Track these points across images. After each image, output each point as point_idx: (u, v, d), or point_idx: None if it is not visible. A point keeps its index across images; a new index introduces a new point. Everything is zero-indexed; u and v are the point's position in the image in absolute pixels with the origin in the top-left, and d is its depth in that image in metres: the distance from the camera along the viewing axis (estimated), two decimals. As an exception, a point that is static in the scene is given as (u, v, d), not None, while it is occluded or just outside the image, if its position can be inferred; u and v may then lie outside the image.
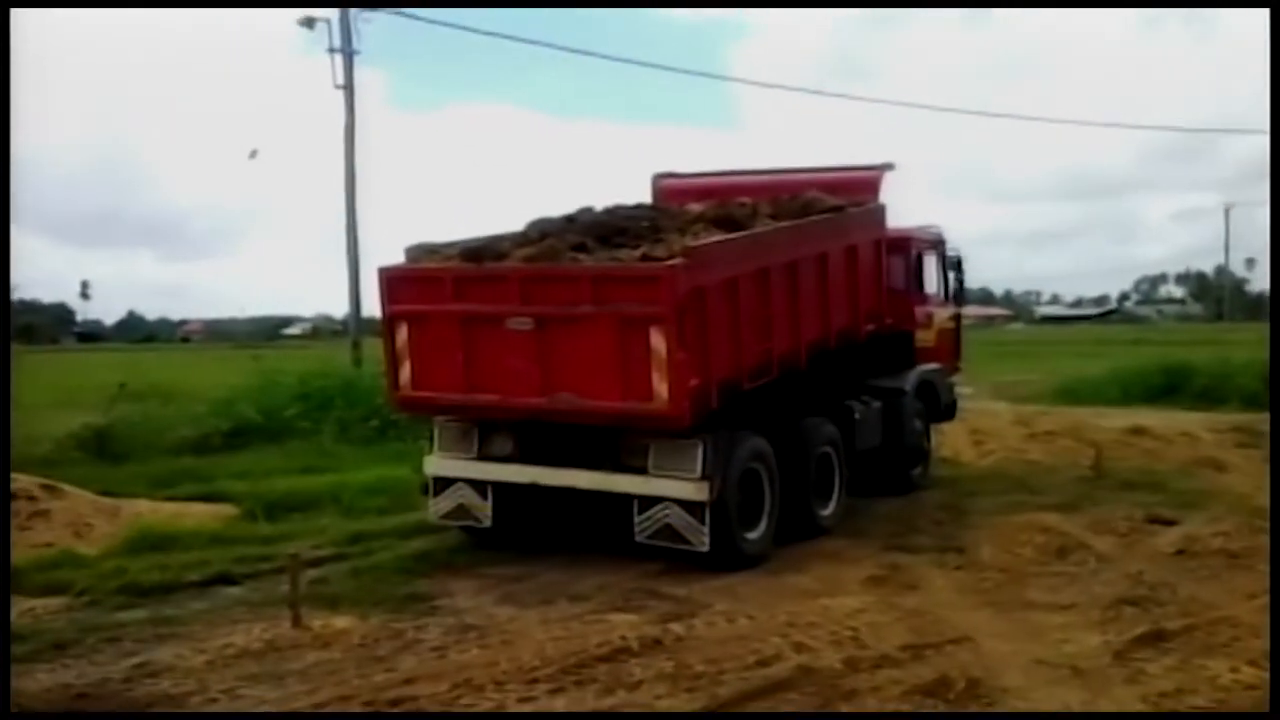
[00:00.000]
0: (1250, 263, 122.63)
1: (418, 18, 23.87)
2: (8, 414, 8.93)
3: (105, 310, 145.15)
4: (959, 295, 15.25)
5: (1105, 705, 6.11)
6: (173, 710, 6.34)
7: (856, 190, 12.29)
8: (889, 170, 12.75)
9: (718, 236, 9.89)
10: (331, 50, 23.32)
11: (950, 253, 14.80)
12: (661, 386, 8.78)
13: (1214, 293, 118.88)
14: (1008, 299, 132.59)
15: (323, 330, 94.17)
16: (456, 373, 9.64)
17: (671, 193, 13.29)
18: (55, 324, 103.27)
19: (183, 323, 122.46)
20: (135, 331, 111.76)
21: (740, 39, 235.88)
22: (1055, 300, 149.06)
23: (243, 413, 17.51)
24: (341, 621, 7.97)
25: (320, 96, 23.03)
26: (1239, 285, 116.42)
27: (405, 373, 10.00)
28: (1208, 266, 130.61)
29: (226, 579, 9.35)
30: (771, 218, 10.95)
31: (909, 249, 13.72)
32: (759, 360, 10.00)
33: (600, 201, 11.72)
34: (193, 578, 9.27)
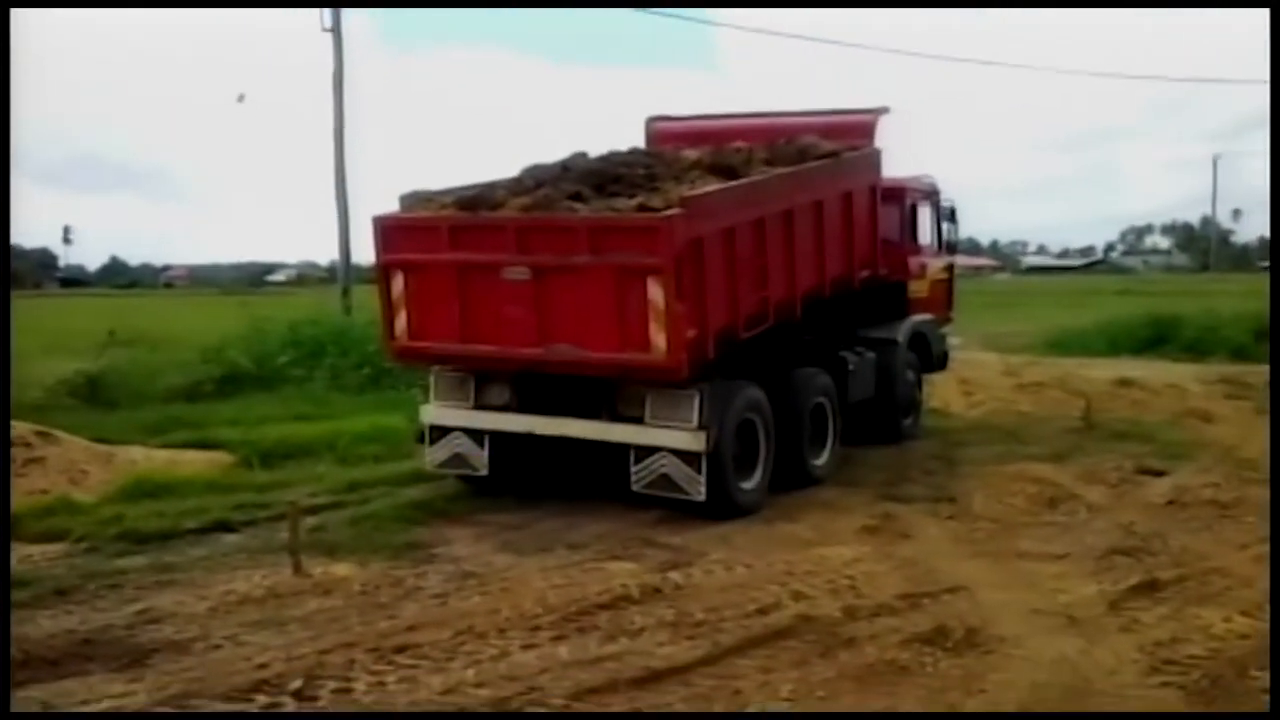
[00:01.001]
0: (1236, 214, 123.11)
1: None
2: (8, 368, 8.90)
3: (88, 255, 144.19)
4: (952, 246, 15.25)
5: (1101, 653, 6.19)
6: (178, 655, 6.37)
7: (851, 134, 12.21)
8: (884, 114, 12.65)
9: (714, 184, 9.84)
10: (318, -9, 22.93)
11: (944, 203, 14.77)
12: (659, 337, 8.78)
13: (1199, 244, 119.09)
14: (995, 249, 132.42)
15: (308, 277, 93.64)
16: (453, 322, 9.62)
17: (666, 136, 13.21)
18: (38, 269, 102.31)
19: (166, 268, 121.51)
20: (118, 277, 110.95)
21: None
22: (1042, 251, 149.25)
23: (234, 360, 17.45)
24: (341, 569, 8.03)
25: (310, 40, 22.61)
26: (1225, 236, 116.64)
27: (401, 322, 9.97)
28: (1194, 218, 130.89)
29: (225, 526, 9.38)
30: (767, 163, 10.90)
31: (903, 199, 13.68)
32: (755, 309, 10.01)
33: (593, 146, 11.72)
34: (191, 525, 9.29)
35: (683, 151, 11.44)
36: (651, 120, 13.59)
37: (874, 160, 12.21)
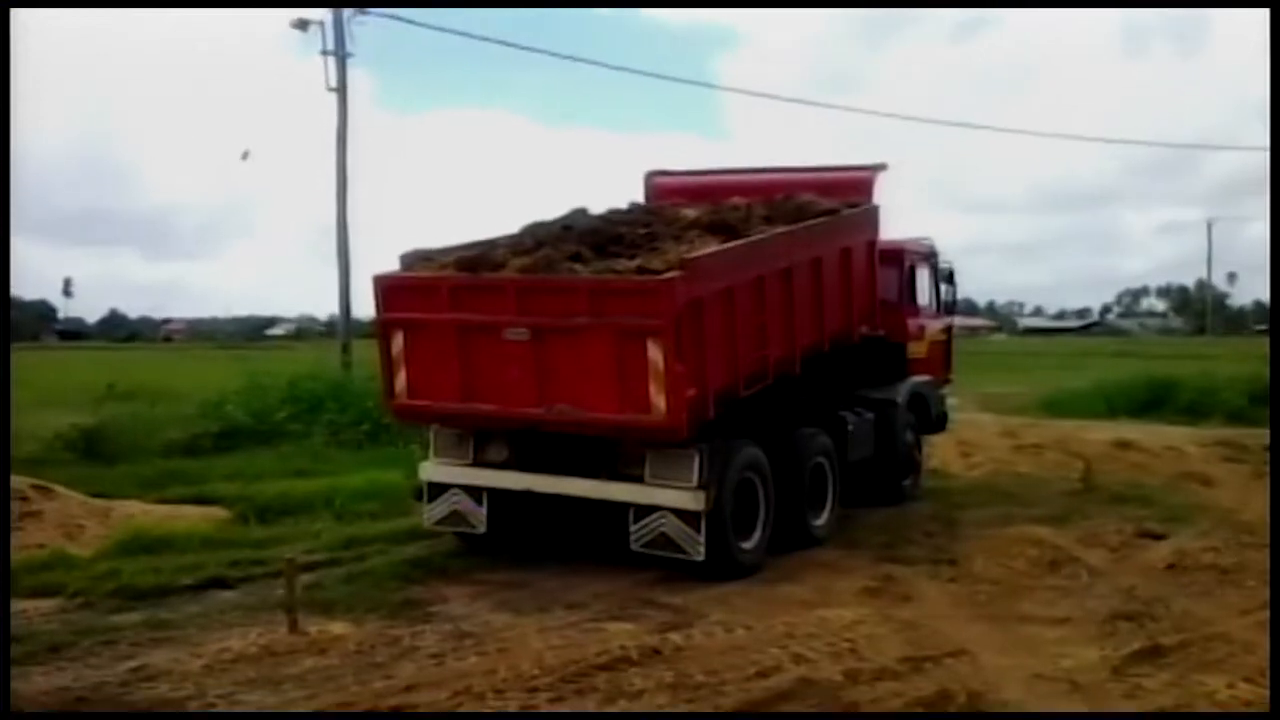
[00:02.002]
0: (1232, 277, 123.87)
1: (411, 21, 23.87)
2: (8, 416, 8.89)
3: (87, 308, 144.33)
4: (950, 307, 15.32)
5: (1105, 720, 6.14)
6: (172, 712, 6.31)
7: (850, 191, 12.27)
8: (882, 170, 12.72)
9: (713, 244, 9.88)
10: (324, 52, 23.24)
11: (942, 265, 14.86)
12: (659, 398, 8.77)
13: (1195, 306, 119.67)
14: (991, 310, 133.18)
15: (307, 331, 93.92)
16: (453, 382, 9.61)
17: (664, 191, 13.29)
18: (36, 321, 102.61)
19: (165, 322, 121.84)
20: (117, 330, 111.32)
21: (729, 48, 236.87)
22: (1038, 312, 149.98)
23: (232, 414, 17.49)
24: (337, 627, 7.95)
25: (311, 98, 22.94)
26: (1220, 299, 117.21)
27: (401, 381, 9.96)
28: (1189, 280, 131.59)
29: (221, 583, 9.32)
30: (766, 220, 10.94)
31: (902, 261, 13.75)
32: (755, 367, 10.02)
33: (590, 207, 11.77)
34: (187, 581, 9.24)
35: (682, 210, 11.50)
36: (651, 175, 13.64)
37: (872, 217, 12.26)
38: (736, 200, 11.82)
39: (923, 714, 5.82)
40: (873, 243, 12.22)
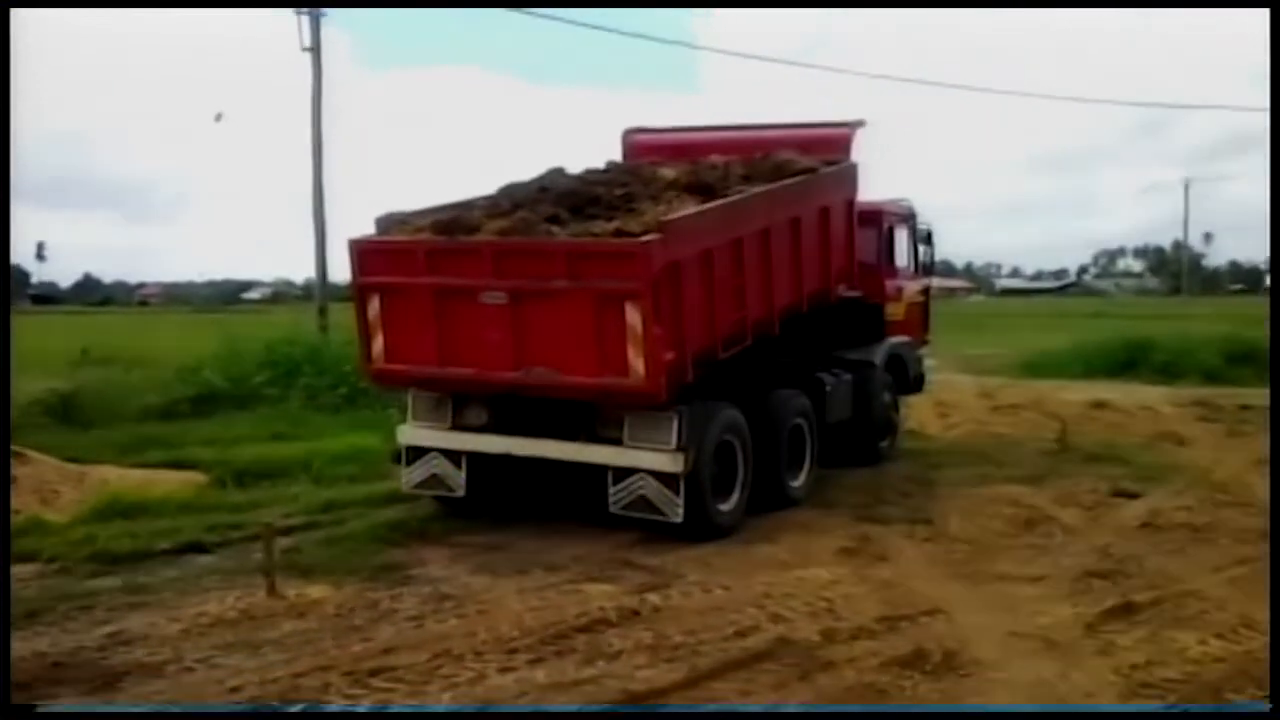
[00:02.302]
0: (1208, 237, 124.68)
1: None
2: (7, 403, 8.80)
3: (61, 272, 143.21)
4: (929, 269, 15.33)
5: (1079, 677, 6.19)
6: (150, 678, 6.30)
7: (828, 148, 12.22)
8: (860, 127, 12.64)
9: (691, 205, 9.84)
10: (298, 11, 22.94)
11: (920, 226, 14.86)
12: (638, 362, 8.76)
13: (1171, 267, 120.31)
14: (969, 271, 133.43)
15: (283, 295, 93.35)
16: (430, 345, 9.57)
17: (642, 148, 13.21)
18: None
19: (140, 286, 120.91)
20: (91, 294, 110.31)
21: (708, 9, 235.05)
22: (1016, 273, 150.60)
23: (209, 379, 17.35)
24: (316, 590, 7.95)
25: (287, 58, 22.63)
26: (1196, 260, 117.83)
27: (378, 345, 9.92)
28: (1165, 241, 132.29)
29: (198, 547, 9.28)
30: (744, 179, 10.89)
31: (880, 222, 13.75)
32: (733, 329, 10.01)
33: (568, 165, 11.69)
34: (164, 545, 9.19)
35: (660, 169, 11.41)
36: (629, 132, 13.57)
37: (851, 175, 12.20)
38: (715, 158, 11.78)
39: (935, 712, 5.87)
40: (851, 201, 12.18)
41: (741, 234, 9.97)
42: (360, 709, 5.84)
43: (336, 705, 5.86)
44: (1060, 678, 6.18)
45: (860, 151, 12.42)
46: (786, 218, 10.74)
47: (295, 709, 5.83)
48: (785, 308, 10.92)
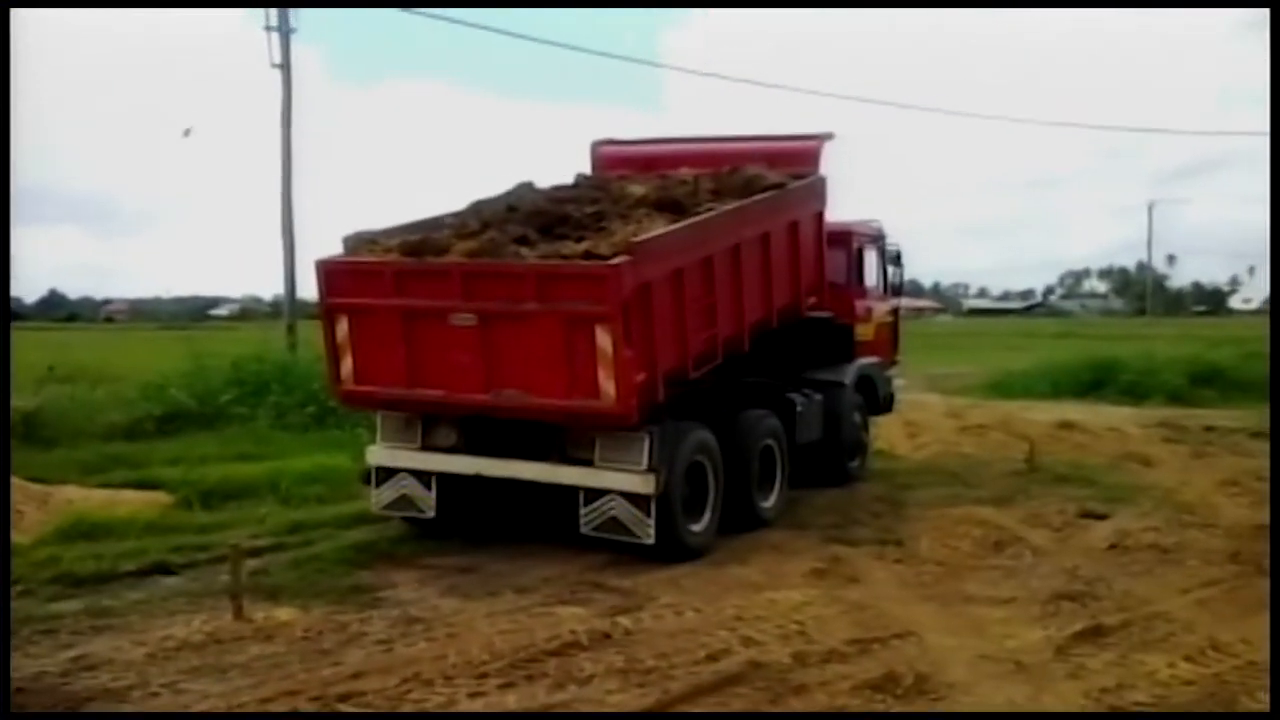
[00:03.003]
0: (1171, 259, 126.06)
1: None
2: (7, 411, 8.69)
3: (26, 288, 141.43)
4: (898, 289, 15.41)
5: (1049, 700, 6.21)
6: (115, 704, 6.21)
7: (796, 161, 12.22)
8: (829, 139, 12.65)
9: (661, 222, 9.82)
10: (268, 28, 22.87)
11: (890, 247, 14.94)
12: (608, 384, 8.72)
13: (1135, 288, 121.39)
14: (937, 291, 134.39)
15: (252, 312, 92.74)
16: (399, 367, 9.49)
17: (611, 161, 13.22)
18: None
19: (106, 302, 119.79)
20: (57, 310, 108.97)
21: (675, 25, 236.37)
22: (983, 293, 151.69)
23: (175, 397, 17.13)
24: (283, 613, 7.88)
25: (256, 74, 22.52)
26: (1160, 281, 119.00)
27: (346, 366, 9.84)
28: (1130, 263, 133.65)
29: (164, 569, 9.17)
30: (713, 194, 10.90)
31: (850, 243, 13.82)
32: (704, 347, 10.01)
33: (537, 179, 11.72)
34: (129, 567, 9.09)
35: (629, 186, 11.37)
36: (597, 144, 13.55)
37: (819, 188, 12.21)
38: (684, 172, 11.79)
39: (935, 714, 5.88)
40: (820, 214, 12.20)
41: (711, 252, 9.98)
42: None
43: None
44: (1031, 701, 6.20)
45: (828, 164, 12.44)
46: (756, 234, 10.75)
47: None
48: (756, 323, 10.94)
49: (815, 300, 12.41)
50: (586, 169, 13.17)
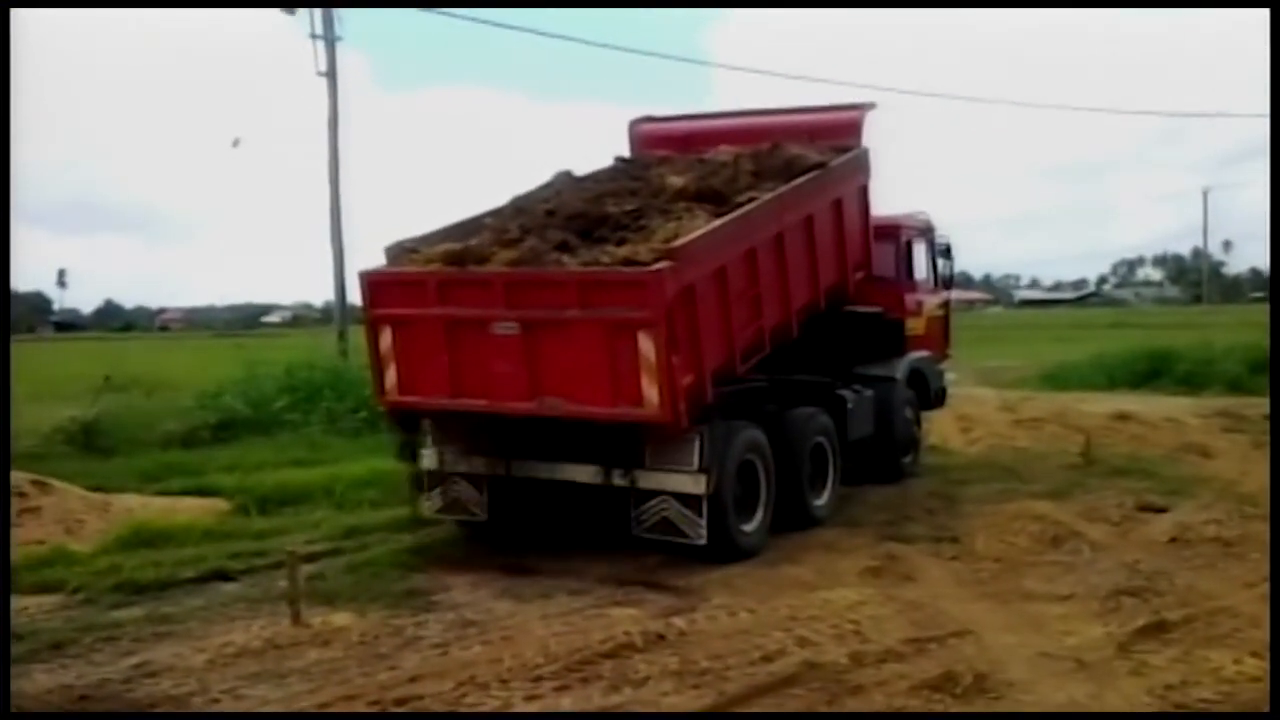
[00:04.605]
0: (1227, 245, 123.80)
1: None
2: (8, 414, 8.83)
3: (83, 299, 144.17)
4: (948, 282, 15.26)
5: (1112, 698, 6.11)
6: (176, 711, 6.29)
7: (837, 132, 12.12)
8: (870, 109, 12.54)
9: (702, 217, 9.69)
10: (313, 36, 23.09)
11: (939, 239, 14.79)
12: (652, 390, 8.64)
13: (1190, 275, 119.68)
14: (987, 283, 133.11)
15: (303, 319, 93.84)
16: (442, 377, 9.47)
17: (649, 139, 13.16)
18: (32, 313, 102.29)
19: (161, 311, 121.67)
20: (113, 320, 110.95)
21: (719, 20, 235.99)
22: (1034, 284, 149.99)
23: (230, 405, 17.40)
24: (340, 618, 7.93)
25: (302, 82, 22.71)
26: (1216, 268, 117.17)
27: (390, 377, 9.82)
28: (1185, 250, 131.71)
29: (222, 575, 9.30)
30: (753, 175, 10.77)
31: (898, 236, 13.70)
32: (751, 340, 9.96)
33: (575, 169, 11.80)
34: (188, 574, 9.21)
35: (668, 177, 11.13)
36: (635, 123, 13.47)
37: (863, 161, 12.05)
38: (723, 152, 11.64)
39: (936, 714, 5.82)
40: (864, 187, 12.06)
41: (754, 244, 9.89)
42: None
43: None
44: (1093, 699, 6.10)
45: (871, 135, 12.26)
46: (799, 218, 10.65)
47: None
48: (803, 307, 10.87)
49: (863, 275, 12.27)
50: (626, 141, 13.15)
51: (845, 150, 11.81)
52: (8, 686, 5.69)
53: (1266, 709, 5.95)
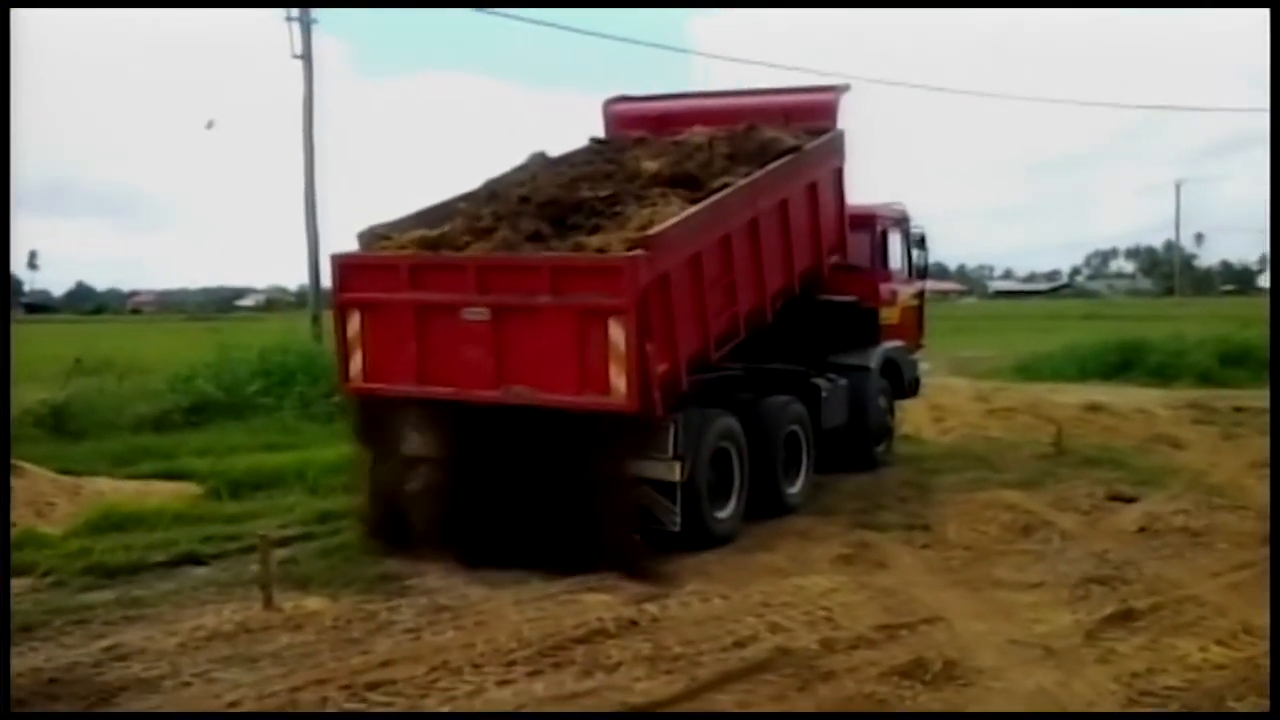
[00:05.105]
0: (1199, 238, 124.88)
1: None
2: (8, 411, 8.77)
3: (54, 281, 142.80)
4: (923, 272, 15.33)
5: (1079, 686, 6.17)
6: (147, 693, 6.26)
7: (812, 114, 12.10)
8: (845, 92, 12.54)
9: (676, 202, 9.66)
10: (289, 19, 22.94)
11: (914, 230, 14.85)
12: (619, 379, 8.55)
13: (1163, 268, 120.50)
14: (962, 274, 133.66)
15: (277, 303, 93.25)
16: (409, 363, 9.35)
17: (624, 119, 13.10)
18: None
19: (133, 294, 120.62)
20: (84, 302, 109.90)
21: (707, 12, 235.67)
22: (1008, 275, 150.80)
23: (202, 389, 17.28)
24: (313, 602, 7.91)
25: (280, 66, 22.53)
26: (1188, 260, 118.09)
27: (356, 364, 9.68)
28: (1157, 242, 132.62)
29: (194, 559, 9.26)
30: (728, 158, 10.75)
31: (873, 226, 13.73)
32: (725, 326, 9.95)
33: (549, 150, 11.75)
34: (159, 558, 9.18)
35: (643, 162, 11.06)
36: (610, 102, 13.40)
37: (838, 144, 12.02)
38: (698, 133, 11.58)
39: (936, 714, 5.88)
40: (839, 170, 12.05)
41: (729, 230, 9.86)
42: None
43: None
44: (1061, 686, 6.16)
45: (846, 119, 12.25)
46: (774, 202, 10.62)
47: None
48: (778, 292, 10.88)
49: (838, 259, 12.30)
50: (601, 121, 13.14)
51: (820, 132, 11.81)
52: (8, 687, 5.66)
53: (1231, 696, 6.03)
